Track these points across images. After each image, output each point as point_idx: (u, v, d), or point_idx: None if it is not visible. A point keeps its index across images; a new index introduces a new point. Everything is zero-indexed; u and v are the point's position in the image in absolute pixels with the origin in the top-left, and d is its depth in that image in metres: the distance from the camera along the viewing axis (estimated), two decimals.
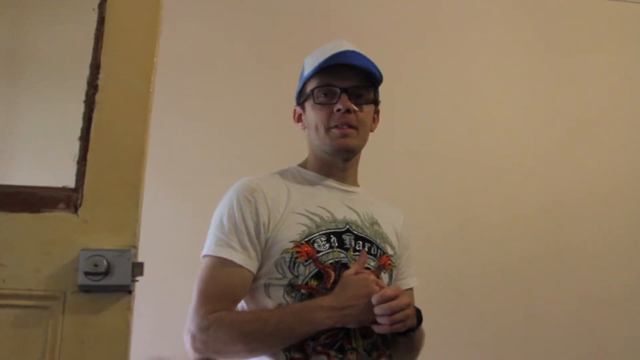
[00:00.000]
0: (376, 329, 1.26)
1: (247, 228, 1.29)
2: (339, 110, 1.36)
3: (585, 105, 2.78)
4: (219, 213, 1.34)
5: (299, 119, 1.47)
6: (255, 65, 2.54)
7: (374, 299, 1.24)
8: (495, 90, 2.74)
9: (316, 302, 1.25)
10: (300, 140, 1.52)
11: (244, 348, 1.24)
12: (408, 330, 1.29)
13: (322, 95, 1.38)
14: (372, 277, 1.28)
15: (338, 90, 1.37)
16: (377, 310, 1.23)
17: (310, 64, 1.41)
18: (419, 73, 2.65)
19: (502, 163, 2.65)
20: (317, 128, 1.39)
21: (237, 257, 1.28)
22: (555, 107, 2.76)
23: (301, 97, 1.44)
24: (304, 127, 1.45)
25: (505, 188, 2.63)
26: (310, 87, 1.40)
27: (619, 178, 2.72)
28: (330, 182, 1.43)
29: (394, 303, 1.23)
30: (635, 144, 2.78)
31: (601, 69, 2.84)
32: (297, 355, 1.25)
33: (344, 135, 1.37)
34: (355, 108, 1.37)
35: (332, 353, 1.26)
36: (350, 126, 1.37)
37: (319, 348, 1.26)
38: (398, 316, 1.23)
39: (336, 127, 1.37)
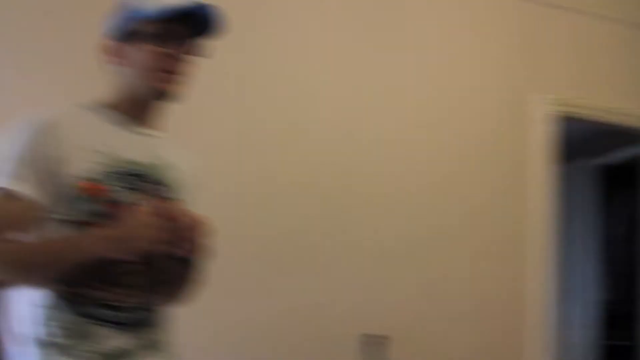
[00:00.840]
0: (172, 251, 1.26)
1: (36, 160, 1.24)
2: (170, 56, 1.35)
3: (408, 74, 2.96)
4: (7, 144, 1.27)
5: (115, 53, 1.40)
6: None
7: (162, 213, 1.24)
8: (317, 60, 2.84)
9: (91, 232, 1.24)
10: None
11: (13, 276, 1.20)
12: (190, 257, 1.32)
13: (161, 41, 1.35)
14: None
15: (177, 39, 1.36)
16: (182, 221, 1.24)
17: (145, 3, 1.36)
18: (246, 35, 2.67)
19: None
20: (147, 69, 1.36)
21: (22, 187, 1.23)
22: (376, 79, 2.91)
23: (128, 34, 1.38)
24: (121, 64, 1.40)
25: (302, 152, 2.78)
26: (148, 28, 1.36)
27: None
28: (133, 124, 1.41)
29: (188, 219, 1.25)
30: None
31: (429, 44, 3.01)
32: (70, 289, 1.24)
33: (173, 81, 1.37)
34: (186, 57, 1.38)
35: (106, 288, 1.26)
36: (178, 73, 1.37)
37: (95, 284, 1.25)
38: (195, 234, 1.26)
39: (167, 72, 1.36)
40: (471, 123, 3.04)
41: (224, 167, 2.56)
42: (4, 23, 2.37)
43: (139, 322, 1.31)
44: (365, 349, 2.70)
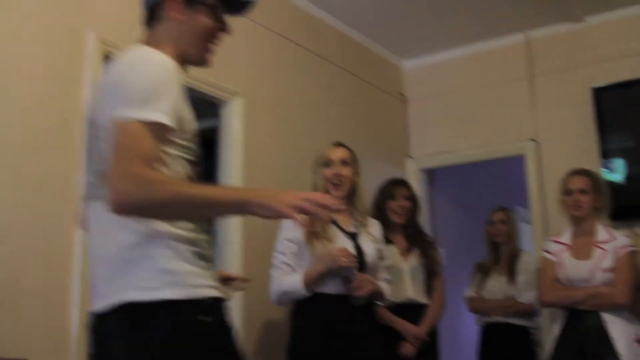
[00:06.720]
0: None
1: (174, 99, 1.34)
2: (222, 30, 1.53)
3: None
4: (146, 77, 1.31)
5: (179, 12, 1.47)
6: None
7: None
8: None
9: (259, 189, 1.45)
10: None
11: (187, 214, 1.35)
12: None
13: (219, 15, 1.51)
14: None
15: (225, 15, 1.54)
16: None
17: None
18: None
19: None
20: (203, 40, 1.50)
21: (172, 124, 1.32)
22: None
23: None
24: (180, 24, 1.47)
25: None
26: (212, 1, 1.49)
27: None
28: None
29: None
30: None
31: None
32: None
33: (213, 52, 1.54)
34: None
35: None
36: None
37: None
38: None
39: (215, 44, 1.53)
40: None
41: None
42: None
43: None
44: None
